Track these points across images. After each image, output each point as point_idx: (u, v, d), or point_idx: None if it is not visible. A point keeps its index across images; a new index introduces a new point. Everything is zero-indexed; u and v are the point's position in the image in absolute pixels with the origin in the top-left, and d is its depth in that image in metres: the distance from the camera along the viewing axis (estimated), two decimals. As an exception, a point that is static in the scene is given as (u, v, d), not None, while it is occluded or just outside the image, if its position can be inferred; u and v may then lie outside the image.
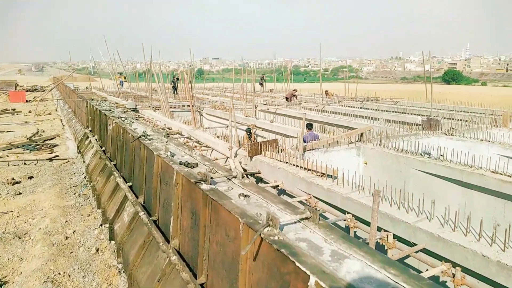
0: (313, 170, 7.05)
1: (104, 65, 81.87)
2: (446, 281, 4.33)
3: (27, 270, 6.96)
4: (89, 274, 6.90)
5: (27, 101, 41.78)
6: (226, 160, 9.99)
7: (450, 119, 12.62)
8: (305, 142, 8.85)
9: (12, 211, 10.06)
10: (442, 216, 4.94)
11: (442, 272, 4.18)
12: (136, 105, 18.87)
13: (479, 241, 4.33)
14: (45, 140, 19.79)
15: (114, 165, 10.54)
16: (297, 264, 2.93)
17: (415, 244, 4.77)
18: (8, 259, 7.52)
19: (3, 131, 22.87)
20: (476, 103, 17.02)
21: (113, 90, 33.19)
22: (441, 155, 8.09)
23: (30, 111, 31.78)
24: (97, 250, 7.88)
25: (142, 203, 7.65)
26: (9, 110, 32.70)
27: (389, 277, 2.78)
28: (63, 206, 10.36)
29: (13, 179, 12.63)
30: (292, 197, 6.88)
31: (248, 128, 13.89)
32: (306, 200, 6.51)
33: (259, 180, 7.97)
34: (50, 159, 15.96)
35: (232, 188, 5.02)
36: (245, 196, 4.61)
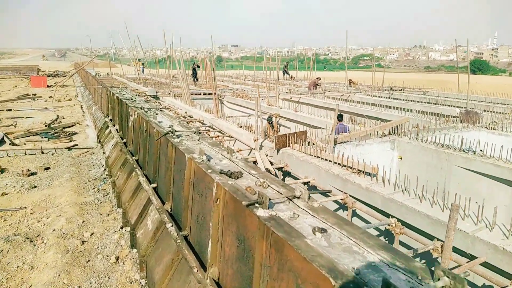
0: (348, 166, 6.46)
1: (124, 52, 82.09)
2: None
3: (37, 283, 6.28)
4: (108, 291, 6.19)
5: (48, 86, 41.98)
6: (249, 152, 9.50)
7: (487, 111, 11.75)
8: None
9: (25, 208, 9.49)
10: (503, 224, 4.31)
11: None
12: (156, 92, 18.47)
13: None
14: (64, 128, 19.61)
15: (136, 160, 9.80)
16: None
17: (473, 256, 4.17)
18: (18, 266, 6.83)
19: (22, 117, 22.84)
20: (510, 95, 16.02)
21: (134, 77, 32.94)
22: (481, 150, 7.39)
23: (50, 97, 31.74)
24: (117, 259, 7.11)
25: (169, 210, 6.74)
26: (30, 95, 32.88)
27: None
28: (81, 203, 9.76)
29: (28, 170, 12.24)
30: (325, 195, 6.31)
31: (270, 117, 13.33)
32: (342, 199, 5.94)
33: (287, 174, 7.42)
34: (69, 148, 15.69)
35: (298, 216, 3.74)
36: (322, 231, 3.38)
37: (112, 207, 9.58)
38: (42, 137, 17.36)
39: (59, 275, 6.40)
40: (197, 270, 4.51)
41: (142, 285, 6.17)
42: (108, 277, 6.53)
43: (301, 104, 16.31)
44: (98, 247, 7.61)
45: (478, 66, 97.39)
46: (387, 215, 5.25)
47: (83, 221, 8.73)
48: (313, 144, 7.76)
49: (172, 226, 5.68)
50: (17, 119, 21.98)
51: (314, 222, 3.63)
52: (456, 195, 4.72)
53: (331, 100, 17.01)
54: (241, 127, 10.88)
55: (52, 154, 14.97)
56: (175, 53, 22.67)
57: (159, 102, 15.25)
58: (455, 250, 4.30)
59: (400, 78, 31.51)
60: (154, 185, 7.72)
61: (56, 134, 18.08)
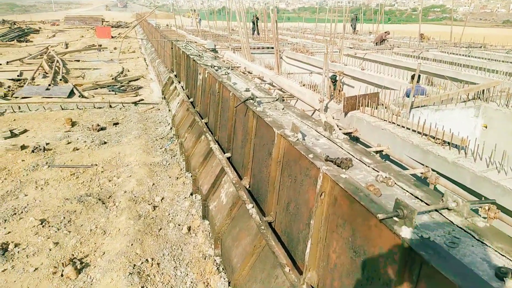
0: (430, 135, 5.60)
1: (182, 2, 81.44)
2: None
3: (111, 251, 6.08)
4: (181, 265, 5.82)
5: (112, 37, 42.74)
6: (313, 113, 8.74)
7: None
8: (408, 96, 7.39)
9: (96, 165, 9.42)
10: None
11: None
12: (215, 45, 17.84)
13: None
14: (129, 81, 19.70)
15: (206, 123, 9.20)
16: None
17: None
18: (91, 229, 6.71)
19: (90, 68, 23.26)
20: None
21: (192, 28, 32.41)
22: None
23: (115, 48, 32.20)
24: (189, 229, 6.75)
25: (247, 187, 5.90)
26: (95, 46, 33.56)
27: None
28: (150, 164, 9.55)
29: (98, 125, 12.27)
30: (402, 167, 5.48)
31: (334, 75, 12.34)
32: (422, 174, 5.10)
33: (355, 139, 6.62)
34: (135, 103, 15.67)
35: (459, 240, 2.56)
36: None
37: (181, 170, 9.27)
38: (109, 90, 17.52)
39: (132, 244, 6.17)
40: (289, 270, 3.85)
41: (217, 264, 5.78)
42: (181, 250, 6.21)
43: (366, 61, 15.03)
44: (169, 213, 7.34)
45: None
46: (478, 196, 4.54)
47: (153, 184, 8.51)
48: (386, 107, 6.90)
49: (253, 207, 5.10)
50: (85, 71, 22.43)
51: (489, 256, 2.37)
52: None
53: (401, 57, 15.46)
54: (303, 85, 10.06)
55: (120, 108, 15.00)
56: (232, 3, 21.66)
57: (217, 56, 14.65)
58: None
59: (477, 33, 28.24)
60: (228, 154, 7.12)
61: (123, 87, 18.17)
